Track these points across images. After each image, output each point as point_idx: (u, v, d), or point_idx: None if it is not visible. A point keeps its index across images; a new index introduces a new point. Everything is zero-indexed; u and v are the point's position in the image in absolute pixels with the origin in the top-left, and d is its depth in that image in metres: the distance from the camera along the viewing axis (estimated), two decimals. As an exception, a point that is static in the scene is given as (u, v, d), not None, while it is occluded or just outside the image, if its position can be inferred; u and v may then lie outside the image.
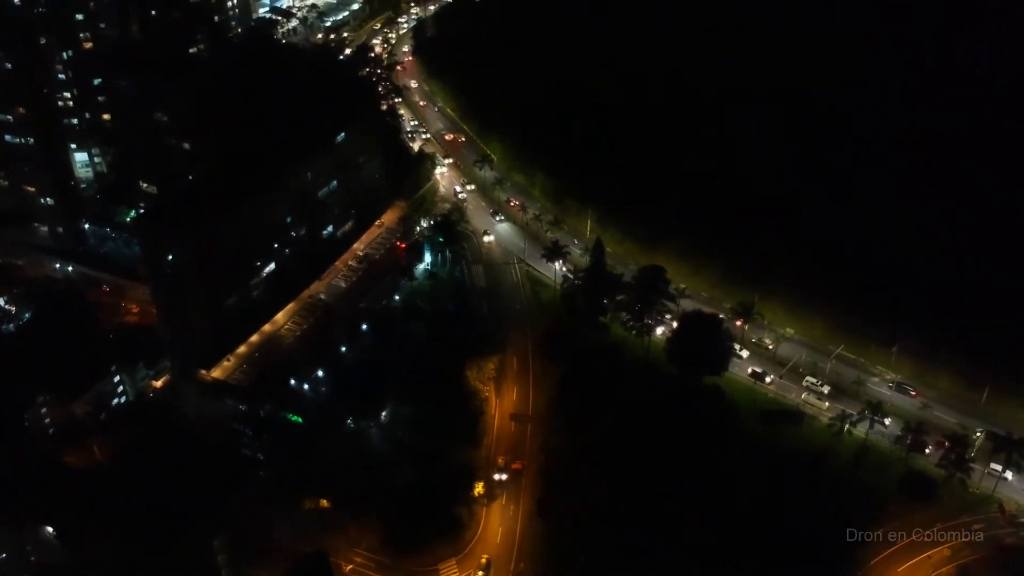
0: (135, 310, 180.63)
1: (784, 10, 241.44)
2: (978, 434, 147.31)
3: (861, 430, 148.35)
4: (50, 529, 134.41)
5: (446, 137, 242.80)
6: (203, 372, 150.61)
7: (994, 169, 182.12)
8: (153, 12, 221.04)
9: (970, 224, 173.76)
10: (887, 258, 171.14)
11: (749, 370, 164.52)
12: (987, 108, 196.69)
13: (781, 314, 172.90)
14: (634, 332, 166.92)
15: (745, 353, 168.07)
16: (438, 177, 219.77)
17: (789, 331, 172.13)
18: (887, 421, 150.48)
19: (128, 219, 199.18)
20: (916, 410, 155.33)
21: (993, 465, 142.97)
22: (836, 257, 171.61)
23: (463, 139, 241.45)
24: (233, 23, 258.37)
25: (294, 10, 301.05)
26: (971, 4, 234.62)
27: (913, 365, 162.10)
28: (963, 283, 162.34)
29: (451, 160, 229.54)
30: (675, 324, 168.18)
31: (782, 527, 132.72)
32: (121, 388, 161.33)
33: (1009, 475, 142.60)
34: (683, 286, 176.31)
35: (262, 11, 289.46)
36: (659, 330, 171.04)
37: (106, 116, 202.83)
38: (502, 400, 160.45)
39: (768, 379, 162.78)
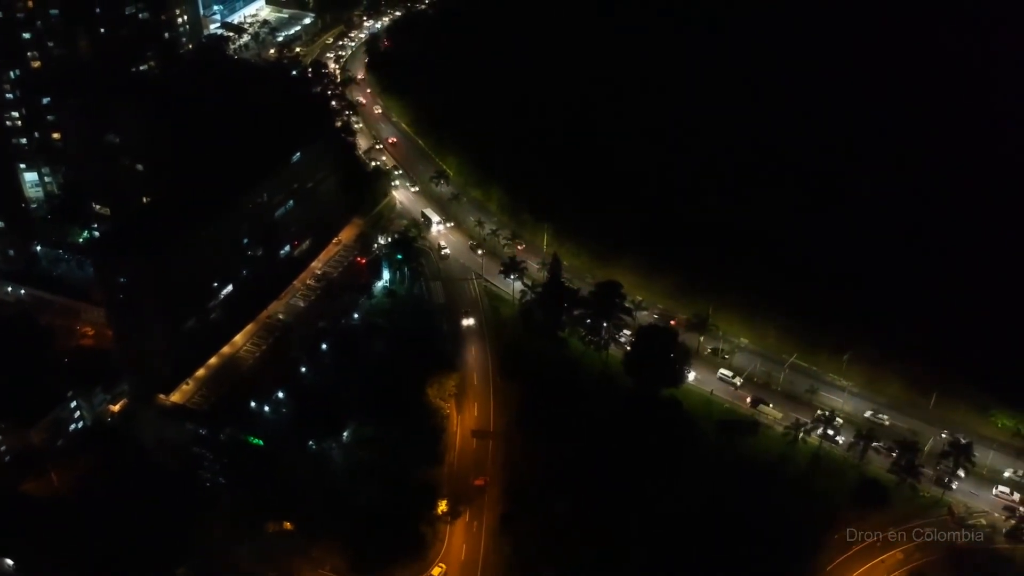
0: (90, 332, 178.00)
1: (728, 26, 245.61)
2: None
3: (815, 438, 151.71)
4: (9, 561, 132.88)
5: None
6: (162, 397, 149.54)
7: (942, 180, 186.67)
8: (102, 30, 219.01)
9: (918, 234, 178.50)
10: (838, 267, 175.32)
11: (748, 399, 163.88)
12: (938, 121, 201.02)
13: (735, 324, 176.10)
14: (592, 347, 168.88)
15: (738, 380, 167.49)
16: (434, 234, 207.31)
17: (743, 341, 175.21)
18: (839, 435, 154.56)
19: (81, 240, 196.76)
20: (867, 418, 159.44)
21: (1001, 488, 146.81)
22: (788, 266, 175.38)
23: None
24: (184, 39, 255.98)
25: (245, 26, 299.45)
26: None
27: (864, 372, 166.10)
28: (911, 292, 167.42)
29: (452, 224, 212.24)
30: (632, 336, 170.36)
31: (739, 536, 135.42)
32: (78, 413, 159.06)
33: (1016, 496, 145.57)
34: (639, 298, 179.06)
35: (213, 27, 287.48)
36: (624, 333, 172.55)
37: (56, 135, 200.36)
38: (463, 417, 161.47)
39: (769, 405, 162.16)
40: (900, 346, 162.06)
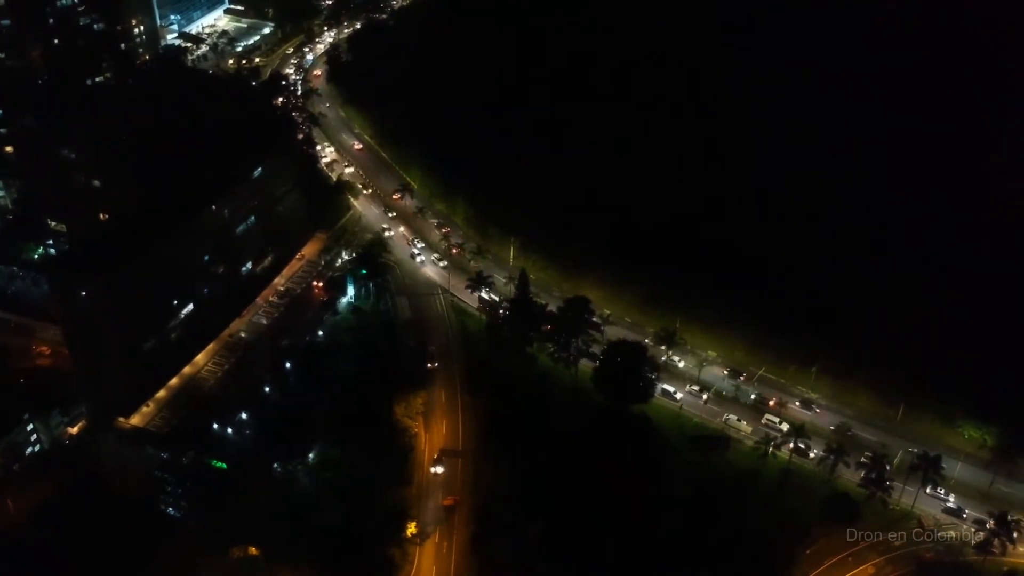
0: (47, 352, 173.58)
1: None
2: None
3: (785, 452, 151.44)
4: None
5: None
6: (121, 419, 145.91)
7: (907, 192, 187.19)
8: (56, 41, 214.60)
9: (884, 246, 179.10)
10: (805, 279, 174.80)
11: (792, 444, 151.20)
12: (905, 133, 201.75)
13: (703, 337, 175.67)
14: (561, 363, 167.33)
15: (785, 426, 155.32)
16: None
17: (711, 354, 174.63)
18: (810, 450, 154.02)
19: (36, 257, 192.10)
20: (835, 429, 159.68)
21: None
22: (756, 279, 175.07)
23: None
24: (141, 50, 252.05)
25: (204, 36, 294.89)
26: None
27: (832, 384, 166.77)
28: (878, 304, 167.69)
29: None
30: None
31: (711, 552, 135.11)
32: (35, 437, 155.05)
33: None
34: (607, 312, 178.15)
35: (171, 38, 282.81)
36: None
37: (9, 149, 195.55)
38: (432, 435, 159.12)
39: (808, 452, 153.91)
40: (867, 358, 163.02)
